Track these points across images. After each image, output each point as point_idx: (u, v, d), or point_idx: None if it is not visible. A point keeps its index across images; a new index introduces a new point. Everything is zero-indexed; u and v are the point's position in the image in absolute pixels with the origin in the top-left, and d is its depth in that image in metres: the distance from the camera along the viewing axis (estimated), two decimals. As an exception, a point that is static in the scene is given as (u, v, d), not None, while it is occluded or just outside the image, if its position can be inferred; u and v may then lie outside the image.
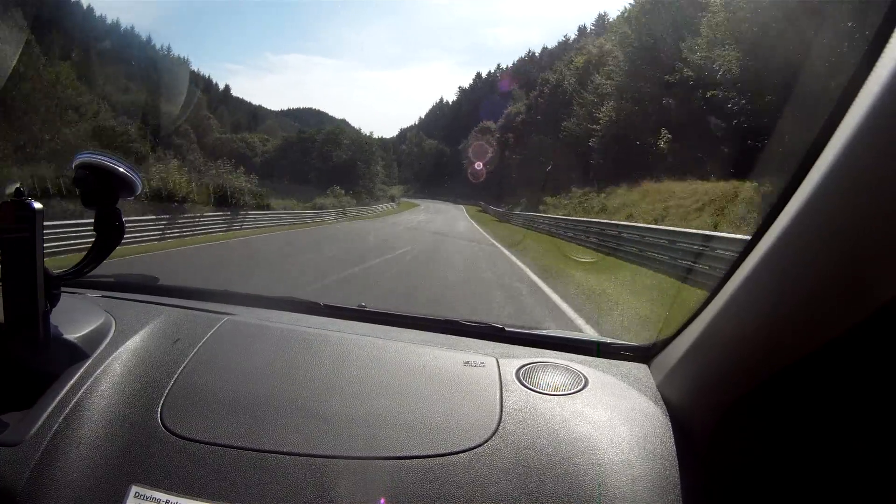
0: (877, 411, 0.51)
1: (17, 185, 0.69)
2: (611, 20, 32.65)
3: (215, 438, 0.69)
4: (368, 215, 34.99)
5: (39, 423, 0.71)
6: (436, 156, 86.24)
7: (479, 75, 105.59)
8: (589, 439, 0.68)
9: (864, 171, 0.39)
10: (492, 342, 0.95)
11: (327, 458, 0.66)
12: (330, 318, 1.05)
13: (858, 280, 0.40)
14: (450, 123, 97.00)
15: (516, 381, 0.80)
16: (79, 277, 0.80)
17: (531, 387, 0.78)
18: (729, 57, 14.69)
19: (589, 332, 4.46)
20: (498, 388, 0.78)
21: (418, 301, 5.80)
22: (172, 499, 0.63)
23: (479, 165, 51.43)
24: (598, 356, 0.91)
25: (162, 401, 0.75)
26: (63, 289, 0.78)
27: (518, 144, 38.67)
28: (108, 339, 0.86)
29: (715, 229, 9.30)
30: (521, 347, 0.94)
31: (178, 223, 14.50)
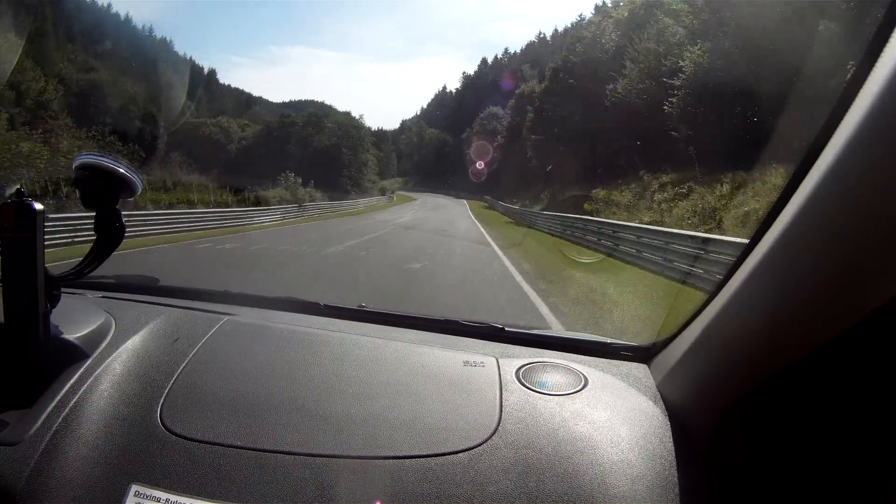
0: (877, 411, 0.51)
1: (18, 186, 0.70)
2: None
3: (215, 438, 0.69)
4: (342, 212, 27.47)
5: (39, 422, 0.70)
6: (437, 146, 79.58)
7: (484, 61, 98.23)
8: (589, 439, 0.68)
9: (865, 172, 0.39)
10: (491, 342, 0.95)
11: (327, 458, 0.66)
12: (330, 318, 1.05)
13: (859, 280, 0.41)
14: (453, 113, 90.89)
15: (516, 381, 0.80)
16: (79, 278, 0.80)
17: (531, 387, 0.78)
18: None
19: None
20: (497, 387, 0.78)
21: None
22: (172, 498, 0.63)
23: (484, 150, 43.57)
24: (597, 356, 0.90)
25: (162, 400, 0.75)
26: (63, 289, 0.77)
27: (538, 124, 30.16)
28: (107, 339, 0.86)
29: None
30: (520, 347, 0.93)
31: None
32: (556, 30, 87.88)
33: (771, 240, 0.48)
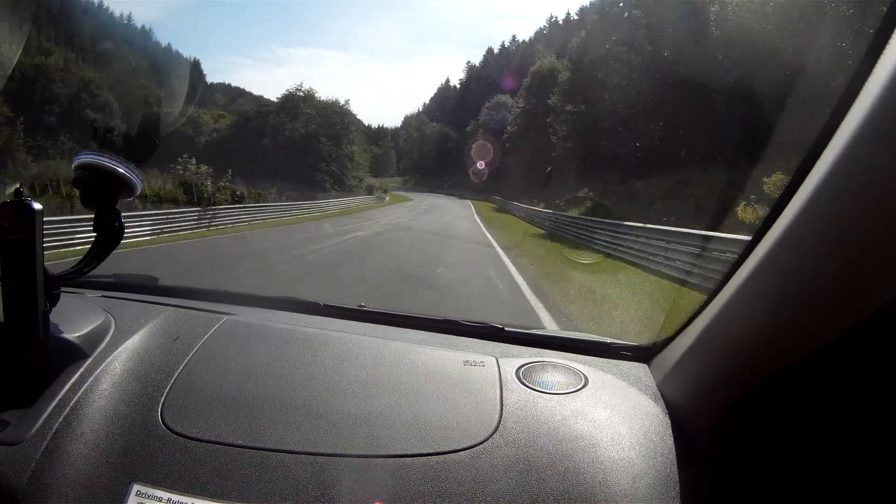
0: (877, 411, 0.51)
1: (17, 186, 0.70)
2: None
3: (216, 437, 0.69)
4: (279, 221, 18.95)
5: (40, 422, 0.70)
6: (439, 141, 72.59)
7: (490, 50, 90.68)
8: (589, 437, 0.68)
9: (865, 172, 0.39)
10: (491, 342, 0.95)
11: (328, 457, 0.66)
12: (330, 318, 1.05)
13: (859, 281, 0.41)
14: (456, 108, 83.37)
15: (516, 381, 0.80)
16: (79, 277, 0.80)
17: (531, 386, 0.78)
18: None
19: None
20: (498, 386, 0.78)
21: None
22: (174, 497, 0.63)
23: (491, 144, 36.38)
24: (597, 356, 0.90)
25: (162, 400, 0.75)
26: (63, 289, 0.77)
27: (576, 88, 21.67)
28: (107, 339, 0.86)
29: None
30: (520, 347, 0.94)
31: None
32: (568, 13, 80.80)
33: (771, 240, 0.48)
